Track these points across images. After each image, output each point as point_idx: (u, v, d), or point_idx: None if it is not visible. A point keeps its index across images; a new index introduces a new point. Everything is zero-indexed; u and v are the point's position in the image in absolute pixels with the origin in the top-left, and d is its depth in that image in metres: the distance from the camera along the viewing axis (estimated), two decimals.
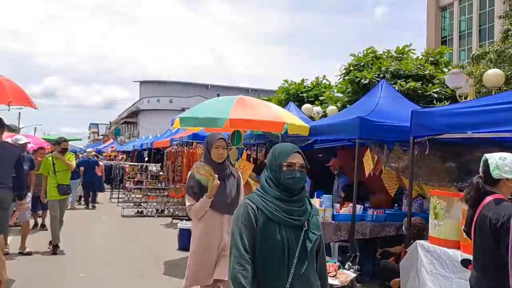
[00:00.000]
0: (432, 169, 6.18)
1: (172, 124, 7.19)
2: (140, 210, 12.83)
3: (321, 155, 9.40)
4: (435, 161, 6.27)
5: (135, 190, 12.75)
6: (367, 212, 6.08)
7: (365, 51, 17.62)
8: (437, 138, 5.02)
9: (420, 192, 6.32)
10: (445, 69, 15.93)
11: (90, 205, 14.60)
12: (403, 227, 5.64)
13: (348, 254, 5.74)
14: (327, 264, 3.30)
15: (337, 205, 6.04)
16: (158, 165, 13.68)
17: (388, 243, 6.17)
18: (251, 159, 9.54)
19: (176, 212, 12.48)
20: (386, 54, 17.39)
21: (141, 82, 53.55)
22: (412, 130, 5.08)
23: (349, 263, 5.41)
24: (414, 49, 18.14)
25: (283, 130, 6.52)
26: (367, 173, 5.97)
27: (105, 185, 17.97)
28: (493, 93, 10.56)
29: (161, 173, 12.48)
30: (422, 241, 4.73)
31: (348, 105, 16.80)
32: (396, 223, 6.10)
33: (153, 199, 12.63)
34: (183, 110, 44.56)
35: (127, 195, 12.84)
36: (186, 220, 10.78)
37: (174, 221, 11.43)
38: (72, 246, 7.79)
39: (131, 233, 9.99)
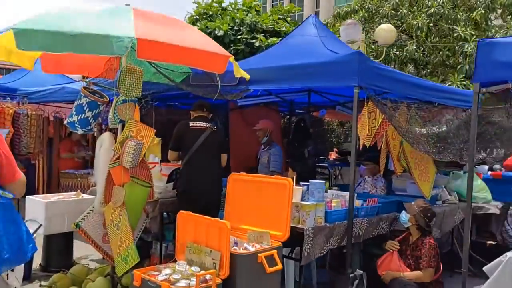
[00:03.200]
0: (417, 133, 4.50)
1: None
2: None
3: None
4: (418, 122, 4.61)
5: None
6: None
7: (210, 0, 15.25)
8: None
9: (405, 167, 4.55)
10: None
11: None
12: (403, 216, 3.80)
13: (350, 273, 3.57)
14: None
15: (327, 197, 3.71)
16: None
17: (375, 245, 4.26)
18: None
19: None
20: (232, 6, 15.40)
21: None
22: (478, 72, 3.14)
23: None
24: (261, 4, 16.71)
25: (225, 68, 3.79)
26: (364, 141, 3.81)
27: None
28: (384, 50, 9.78)
29: None
30: None
31: None
32: (390, 215, 4.21)
33: None
34: None
35: None
36: None
37: None
38: None
39: None
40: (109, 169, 3.78)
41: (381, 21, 10.64)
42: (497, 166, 5.57)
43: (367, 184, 4.98)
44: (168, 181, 4.51)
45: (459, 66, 9.90)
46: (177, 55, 3.40)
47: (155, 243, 4.98)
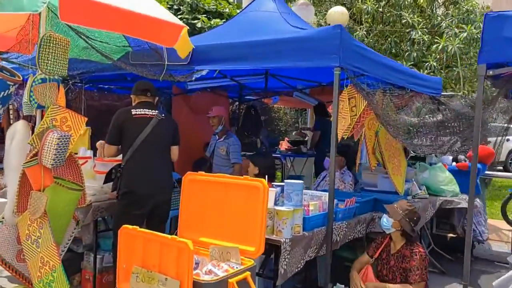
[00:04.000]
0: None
1: None
2: None
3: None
4: (393, 110, 4.15)
5: None
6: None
7: None
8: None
9: (379, 160, 4.07)
10: (238, 10, 14.26)
11: None
12: (384, 221, 3.29)
13: None
14: None
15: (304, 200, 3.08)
16: None
17: (346, 248, 3.74)
18: None
19: None
20: None
21: None
22: (485, 51, 2.67)
23: None
24: None
25: (176, 43, 3.03)
26: (343, 133, 3.23)
27: None
28: None
29: None
30: None
31: None
32: (367, 216, 3.70)
33: None
34: None
35: None
36: None
37: None
38: None
39: None
40: (24, 168, 2.90)
41: (330, 4, 10.29)
42: (461, 156, 5.31)
43: (335, 179, 4.45)
44: (106, 181, 3.67)
45: (406, 53, 9.78)
46: (114, 20, 2.59)
47: (88, 254, 4.13)
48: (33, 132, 3.03)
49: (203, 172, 2.88)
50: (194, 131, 6.02)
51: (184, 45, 3.37)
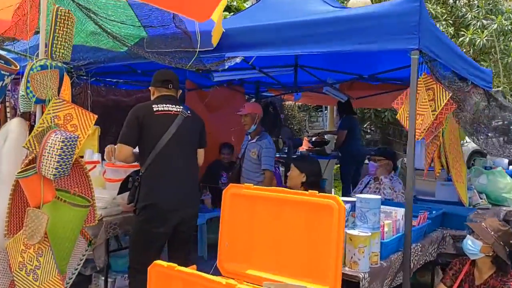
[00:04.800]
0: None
1: None
2: None
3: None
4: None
5: None
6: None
7: None
8: None
9: (444, 165, 3.42)
10: (246, 4, 13.68)
11: None
12: (469, 243, 2.62)
13: None
14: None
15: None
16: None
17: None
18: None
19: None
20: None
21: None
22: None
23: None
24: None
25: (210, 17, 2.39)
26: (420, 135, 2.59)
27: None
28: None
29: None
30: None
31: None
32: (438, 234, 3.04)
33: None
34: None
35: None
36: None
37: None
38: None
39: None
40: (18, 179, 2.26)
41: None
42: None
43: (385, 186, 3.81)
44: (121, 191, 3.02)
45: None
46: None
47: (97, 277, 3.49)
48: (31, 132, 2.39)
49: (250, 185, 2.23)
50: (209, 130, 5.40)
51: (218, 26, 2.73)
